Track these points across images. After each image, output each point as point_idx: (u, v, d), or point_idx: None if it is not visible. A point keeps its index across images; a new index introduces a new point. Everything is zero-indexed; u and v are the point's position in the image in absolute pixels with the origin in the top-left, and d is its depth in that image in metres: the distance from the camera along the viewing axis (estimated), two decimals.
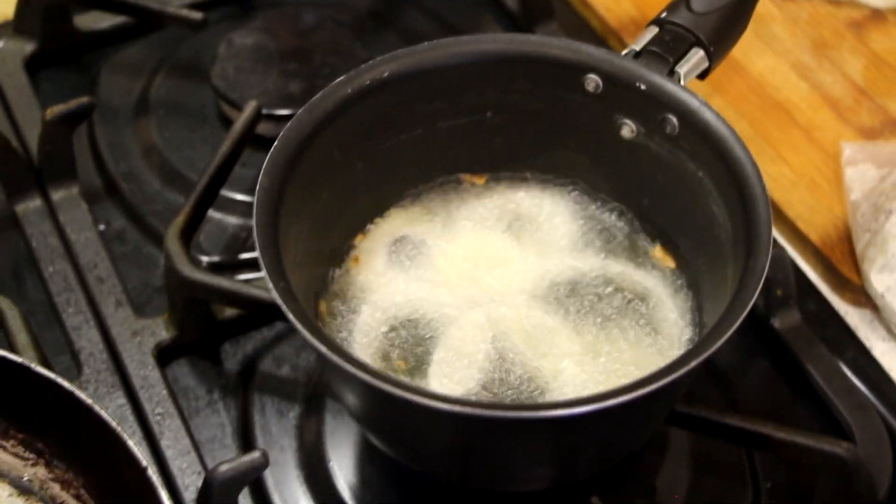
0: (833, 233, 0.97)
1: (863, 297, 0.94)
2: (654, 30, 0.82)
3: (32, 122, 1.02)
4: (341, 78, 0.80)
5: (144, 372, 0.89)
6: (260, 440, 0.87)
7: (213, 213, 0.98)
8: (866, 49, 1.09)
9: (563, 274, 0.83)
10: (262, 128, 0.98)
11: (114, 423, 0.73)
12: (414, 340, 0.80)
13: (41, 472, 0.77)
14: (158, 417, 0.86)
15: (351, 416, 0.82)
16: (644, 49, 0.81)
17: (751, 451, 0.86)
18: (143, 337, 0.91)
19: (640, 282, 0.82)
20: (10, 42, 1.09)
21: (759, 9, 1.12)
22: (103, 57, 1.10)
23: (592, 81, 0.81)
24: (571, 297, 0.82)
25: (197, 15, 1.05)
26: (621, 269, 0.83)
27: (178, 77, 1.09)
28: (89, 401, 0.74)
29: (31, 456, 0.77)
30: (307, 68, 1.04)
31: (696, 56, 0.81)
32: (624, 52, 0.81)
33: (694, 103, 0.78)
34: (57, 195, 0.98)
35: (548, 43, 0.83)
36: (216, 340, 0.92)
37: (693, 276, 0.82)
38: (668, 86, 0.79)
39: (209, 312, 0.91)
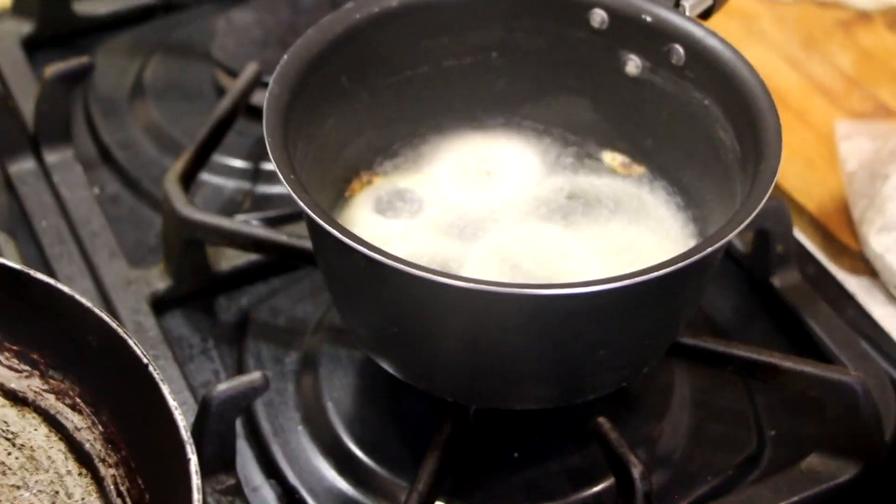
0: (829, 203, 0.97)
1: (861, 263, 0.94)
2: None
3: (28, 95, 1.01)
4: (350, 4, 0.81)
5: (138, 318, 0.87)
6: None
7: (208, 177, 0.97)
8: (854, 45, 1.11)
9: (547, 189, 0.84)
10: (258, 97, 0.98)
11: (114, 324, 0.71)
12: None
13: (36, 383, 0.75)
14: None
15: (357, 338, 0.80)
16: None
17: (754, 398, 0.85)
18: (137, 286, 0.89)
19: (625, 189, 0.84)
20: (9, 23, 1.09)
21: (747, 7, 1.14)
22: (99, 41, 1.11)
23: (598, 16, 0.82)
24: (564, 206, 0.82)
25: None
26: (606, 181, 0.84)
27: (174, 58, 1.09)
28: (88, 304, 0.72)
29: (26, 368, 0.75)
30: None
31: None
32: None
33: (700, 31, 0.79)
34: (51, 157, 0.98)
35: None
36: (211, 293, 0.91)
37: (699, 206, 0.82)
38: (674, 16, 0.80)
39: (205, 263, 0.90)
